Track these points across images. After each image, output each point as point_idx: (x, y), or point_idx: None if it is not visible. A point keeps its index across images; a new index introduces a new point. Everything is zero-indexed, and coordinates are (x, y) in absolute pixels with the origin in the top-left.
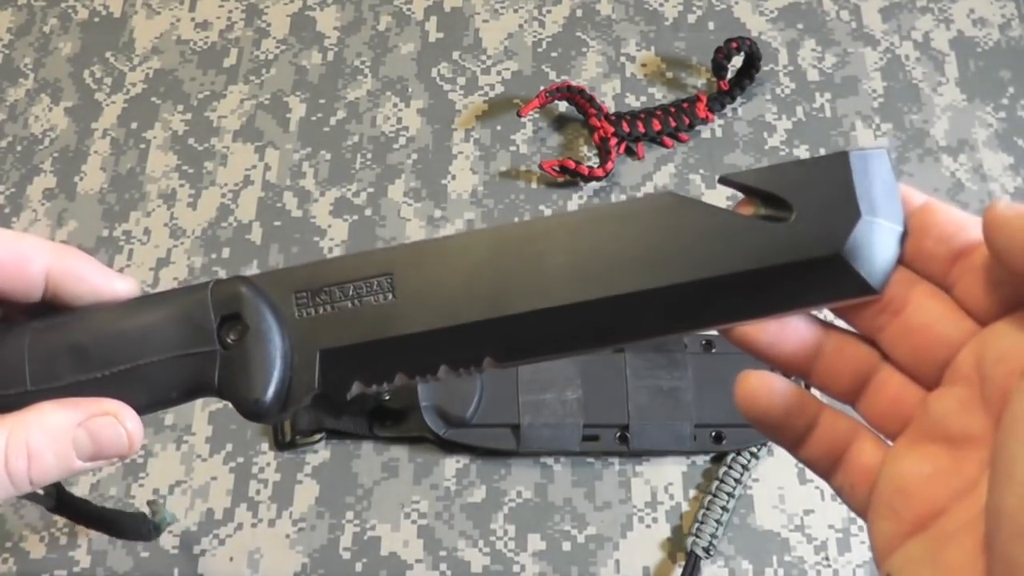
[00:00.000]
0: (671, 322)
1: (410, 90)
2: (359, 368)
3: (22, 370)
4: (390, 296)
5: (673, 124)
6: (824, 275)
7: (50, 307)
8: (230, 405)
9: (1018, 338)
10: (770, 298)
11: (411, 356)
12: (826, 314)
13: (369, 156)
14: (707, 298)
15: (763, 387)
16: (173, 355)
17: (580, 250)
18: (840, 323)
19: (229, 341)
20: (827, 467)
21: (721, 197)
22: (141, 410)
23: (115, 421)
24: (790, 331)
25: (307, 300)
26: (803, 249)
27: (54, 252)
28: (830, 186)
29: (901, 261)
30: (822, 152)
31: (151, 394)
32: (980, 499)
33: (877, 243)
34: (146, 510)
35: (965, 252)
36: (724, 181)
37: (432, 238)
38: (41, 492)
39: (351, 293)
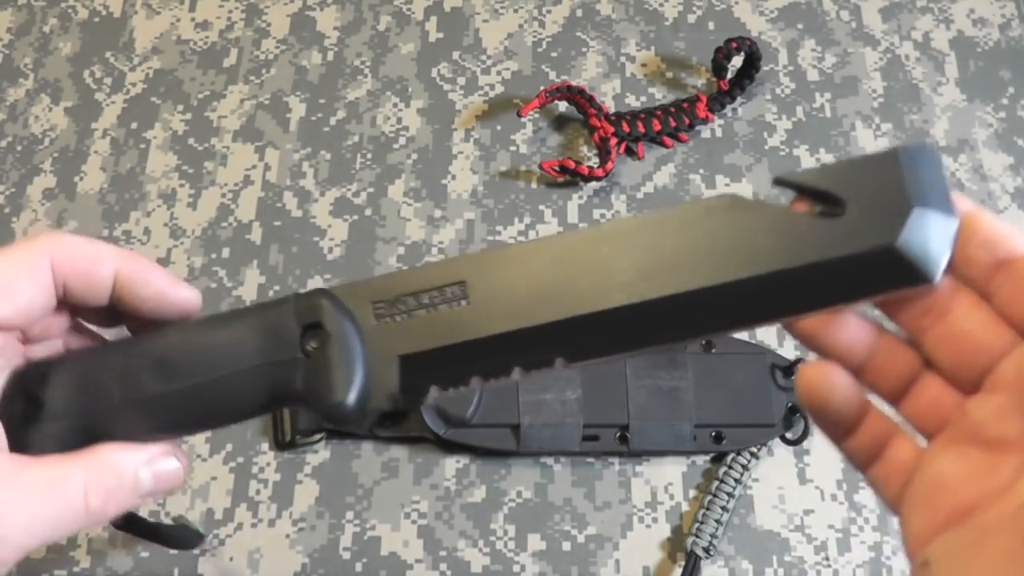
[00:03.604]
0: (736, 318)
1: (410, 90)
2: (436, 372)
3: (109, 385)
4: (464, 303)
5: (673, 124)
6: (881, 266)
7: (118, 315)
8: None
9: None
10: (830, 290)
11: (486, 359)
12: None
13: (369, 156)
14: (769, 293)
15: (825, 378)
16: (257, 364)
17: (645, 251)
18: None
19: (311, 349)
20: (866, 460)
21: None
22: (227, 419)
23: (174, 459)
24: (849, 329)
25: (384, 309)
26: (859, 241)
27: (122, 256)
28: (881, 181)
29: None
30: (822, 152)
31: (236, 403)
32: (1016, 498)
33: (931, 233)
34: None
35: (1008, 262)
36: (779, 182)
37: (501, 246)
38: None
39: (426, 301)
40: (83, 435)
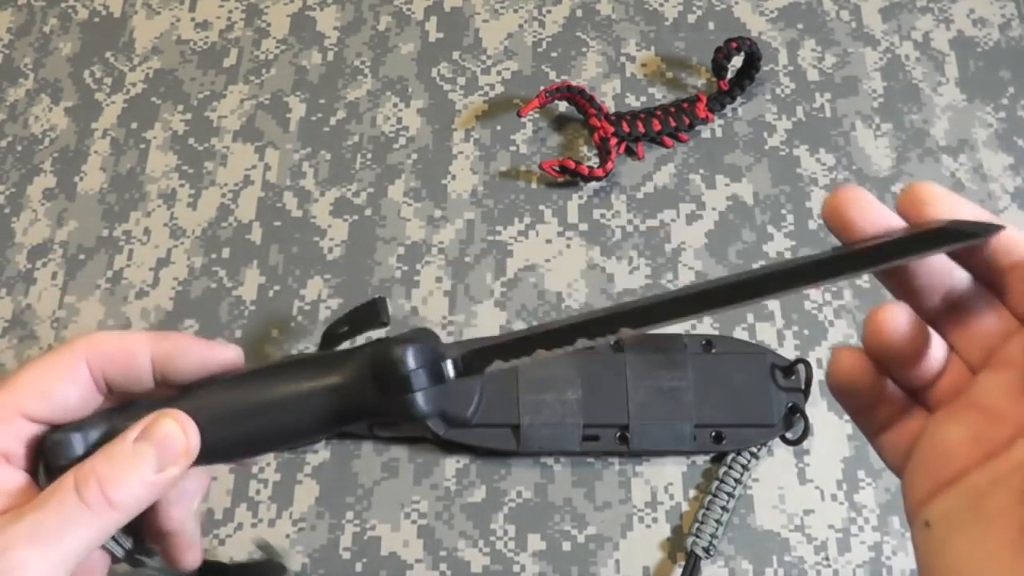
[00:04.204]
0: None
1: (410, 90)
2: (498, 349)
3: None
4: None
5: (673, 124)
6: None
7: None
8: None
9: None
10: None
11: (549, 334)
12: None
13: (369, 156)
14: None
15: (856, 365)
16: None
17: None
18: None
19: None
20: (876, 430)
21: (721, 197)
22: (291, 442)
23: (166, 418)
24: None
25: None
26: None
27: (155, 339)
28: None
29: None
30: (822, 152)
31: (301, 428)
32: (1010, 460)
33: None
34: (252, 550)
35: (1018, 265)
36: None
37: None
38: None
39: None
40: None
